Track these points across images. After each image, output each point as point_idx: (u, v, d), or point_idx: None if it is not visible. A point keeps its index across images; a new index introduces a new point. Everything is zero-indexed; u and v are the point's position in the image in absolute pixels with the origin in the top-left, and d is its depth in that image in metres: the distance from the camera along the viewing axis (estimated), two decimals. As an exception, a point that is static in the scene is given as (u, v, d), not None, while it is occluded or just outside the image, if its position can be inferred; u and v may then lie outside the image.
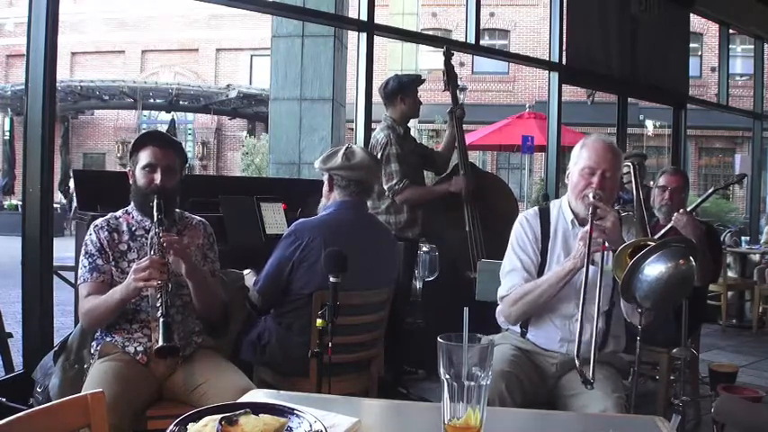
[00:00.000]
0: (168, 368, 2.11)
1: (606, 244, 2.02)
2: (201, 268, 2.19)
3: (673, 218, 3.05)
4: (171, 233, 2.11)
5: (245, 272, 2.65)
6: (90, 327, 2.15)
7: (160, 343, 1.89)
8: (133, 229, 2.19)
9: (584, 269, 1.97)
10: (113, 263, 2.13)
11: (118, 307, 2.04)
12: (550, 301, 2.11)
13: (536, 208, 2.32)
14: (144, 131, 2.29)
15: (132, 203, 2.23)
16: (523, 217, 2.28)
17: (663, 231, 3.09)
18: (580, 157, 2.14)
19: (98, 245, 2.13)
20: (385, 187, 3.71)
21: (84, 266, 2.13)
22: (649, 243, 1.94)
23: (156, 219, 2.07)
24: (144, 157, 2.16)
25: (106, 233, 2.15)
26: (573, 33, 5.72)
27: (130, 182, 2.21)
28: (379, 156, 3.66)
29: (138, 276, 1.96)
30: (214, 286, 2.22)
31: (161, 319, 1.91)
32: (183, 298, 2.17)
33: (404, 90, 3.81)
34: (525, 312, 2.16)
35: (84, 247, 2.15)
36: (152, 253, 2.06)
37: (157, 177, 2.13)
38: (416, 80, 3.91)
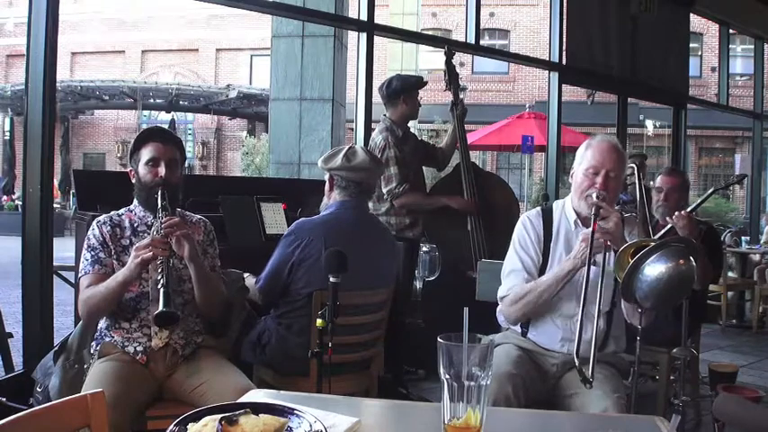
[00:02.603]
0: (168, 368, 2.11)
1: (608, 243, 2.02)
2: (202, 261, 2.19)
3: (672, 217, 3.04)
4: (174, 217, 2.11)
5: (245, 275, 2.65)
6: (89, 316, 2.12)
7: (160, 308, 1.88)
8: (135, 225, 2.20)
9: (586, 269, 1.97)
10: (115, 257, 2.13)
11: (119, 290, 2.03)
12: (550, 300, 2.11)
13: (539, 208, 2.31)
14: (144, 129, 2.30)
15: (135, 201, 2.23)
16: (526, 217, 2.28)
17: (663, 232, 3.09)
18: (584, 158, 2.14)
19: (101, 238, 2.14)
20: (384, 191, 3.70)
21: (87, 259, 2.13)
22: (651, 243, 1.94)
23: (160, 205, 2.08)
24: (147, 152, 2.17)
25: (109, 228, 2.16)
26: (573, 33, 5.71)
27: (132, 180, 2.22)
28: None
29: (140, 253, 1.97)
30: (215, 280, 2.22)
31: (161, 289, 1.90)
32: (185, 296, 2.17)
33: (407, 91, 3.81)
34: (525, 313, 2.16)
35: (86, 242, 2.16)
36: (155, 235, 2.06)
37: (161, 171, 2.14)
38: (420, 82, 3.92)
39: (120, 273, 2.03)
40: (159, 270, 1.96)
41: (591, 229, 1.99)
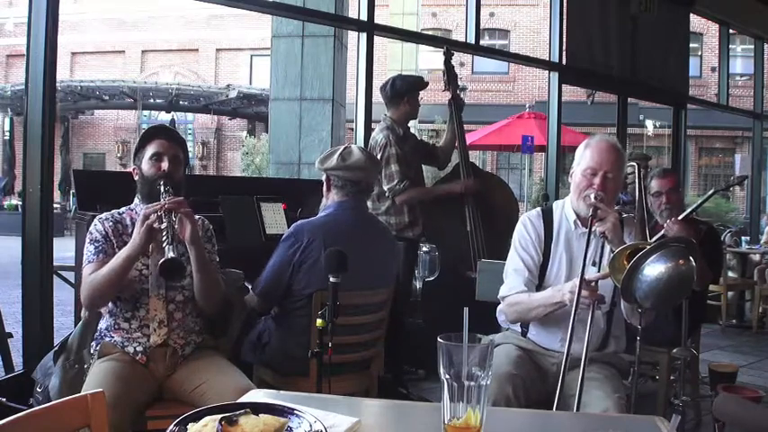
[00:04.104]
0: (168, 368, 2.11)
1: (597, 300, 2.01)
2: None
3: (665, 226, 3.05)
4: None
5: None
6: (92, 300, 2.09)
7: (166, 256, 1.89)
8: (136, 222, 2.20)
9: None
10: (117, 250, 2.12)
11: (124, 266, 2.01)
12: (540, 318, 2.13)
13: (539, 209, 2.33)
14: (150, 126, 2.31)
15: (136, 199, 2.24)
16: (526, 218, 2.29)
17: (656, 238, 3.08)
18: (583, 158, 2.15)
19: (103, 233, 2.15)
20: (385, 188, 3.72)
21: (90, 251, 2.13)
22: (647, 246, 1.94)
23: (162, 191, 2.09)
24: (151, 148, 2.19)
25: (111, 223, 2.17)
26: (573, 33, 5.71)
27: (135, 178, 2.22)
28: (378, 157, 3.66)
29: (142, 221, 1.99)
30: (214, 271, 2.22)
31: (167, 247, 1.92)
32: (185, 293, 2.17)
33: (410, 91, 3.83)
34: (520, 318, 2.20)
35: (88, 236, 2.16)
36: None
37: (165, 165, 2.16)
38: (422, 82, 3.94)
39: (125, 248, 2.03)
40: (164, 232, 1.96)
41: (578, 284, 1.95)
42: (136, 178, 2.23)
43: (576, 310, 1.92)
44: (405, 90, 3.82)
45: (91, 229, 2.17)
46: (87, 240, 2.16)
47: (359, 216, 2.52)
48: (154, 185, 2.15)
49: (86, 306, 2.16)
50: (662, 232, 3.05)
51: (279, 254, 2.40)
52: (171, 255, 1.89)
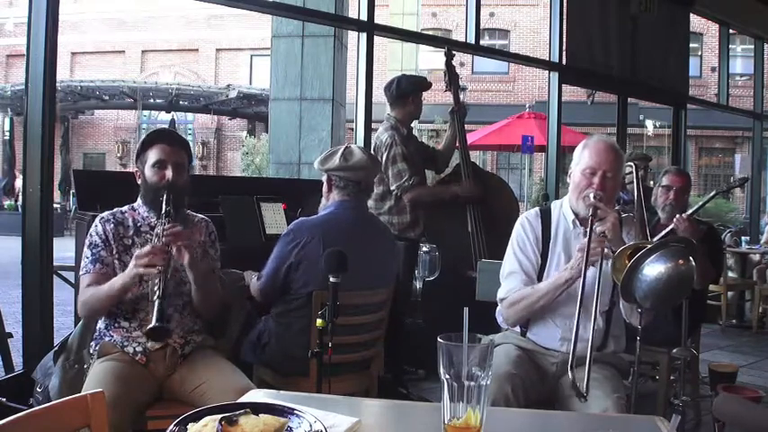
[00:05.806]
0: (168, 368, 2.11)
1: (605, 251, 2.02)
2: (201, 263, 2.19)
3: (674, 220, 3.05)
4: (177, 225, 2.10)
5: (247, 274, 2.65)
6: (88, 316, 2.14)
7: (152, 323, 1.89)
8: (138, 224, 2.20)
9: (581, 278, 1.97)
10: (116, 256, 2.13)
11: (118, 294, 2.04)
12: (548, 305, 2.11)
13: (537, 209, 2.32)
14: (152, 130, 2.30)
15: (140, 200, 2.23)
16: (524, 218, 2.28)
17: (664, 233, 3.09)
18: (582, 158, 2.15)
19: (103, 236, 2.14)
20: (393, 186, 3.71)
21: (87, 257, 2.12)
22: (649, 245, 1.94)
23: (164, 210, 2.08)
24: (153, 154, 2.17)
25: (112, 225, 2.16)
26: (573, 33, 5.71)
27: (138, 181, 2.22)
28: (384, 156, 3.67)
29: (140, 262, 1.97)
30: (213, 282, 2.22)
31: (156, 302, 1.91)
32: (184, 297, 2.17)
33: (416, 91, 3.84)
34: (523, 316, 2.18)
35: (88, 238, 2.15)
36: (156, 242, 2.06)
37: (168, 173, 2.15)
38: (426, 82, 3.96)
39: (120, 278, 2.03)
40: (156, 281, 1.96)
41: (587, 238, 1.98)
42: (139, 181, 2.22)
43: (586, 267, 1.92)
44: (410, 90, 3.82)
45: (91, 230, 2.16)
46: (86, 243, 2.15)
47: (359, 215, 2.52)
48: (157, 195, 2.14)
49: (84, 317, 2.18)
50: (670, 227, 3.05)
51: (278, 250, 2.41)
52: (155, 324, 1.88)
